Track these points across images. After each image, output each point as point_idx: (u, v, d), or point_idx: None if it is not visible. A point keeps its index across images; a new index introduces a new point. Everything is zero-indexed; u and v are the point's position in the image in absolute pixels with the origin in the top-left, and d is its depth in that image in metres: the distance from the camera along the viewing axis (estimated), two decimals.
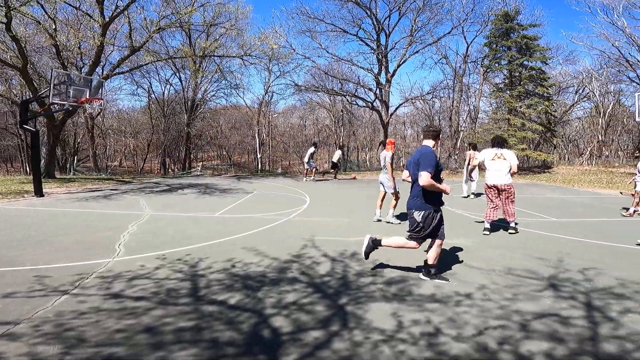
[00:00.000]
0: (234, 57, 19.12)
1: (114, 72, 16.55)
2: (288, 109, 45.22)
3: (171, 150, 32.06)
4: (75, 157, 29.08)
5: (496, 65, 22.75)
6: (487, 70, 23.68)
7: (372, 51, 23.55)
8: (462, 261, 4.39)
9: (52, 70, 9.67)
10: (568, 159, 30.85)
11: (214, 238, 5.36)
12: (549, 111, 21.22)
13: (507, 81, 22.59)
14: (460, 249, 4.92)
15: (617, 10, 21.62)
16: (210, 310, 3.01)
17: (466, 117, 28.43)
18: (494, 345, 2.52)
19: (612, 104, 29.04)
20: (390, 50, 23.65)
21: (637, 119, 11.25)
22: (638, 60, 22.41)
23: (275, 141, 40.77)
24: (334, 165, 16.13)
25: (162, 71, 28.23)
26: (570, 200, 10.02)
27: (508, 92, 21.57)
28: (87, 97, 10.02)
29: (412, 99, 27.31)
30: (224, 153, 44.42)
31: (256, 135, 29.05)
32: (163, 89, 30.27)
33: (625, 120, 31.65)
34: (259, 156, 29.13)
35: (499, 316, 2.94)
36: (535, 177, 17.90)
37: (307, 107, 37.89)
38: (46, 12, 13.08)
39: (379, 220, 6.70)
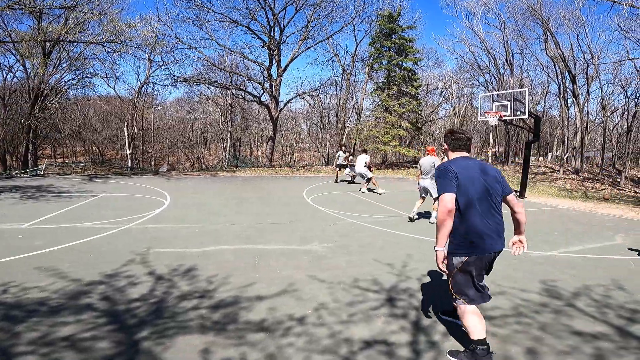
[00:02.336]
0: (91, 42, 15.98)
1: None
2: (176, 101, 41.19)
3: (13, 146, 25.67)
4: None
5: (378, 64, 24.02)
6: (371, 70, 25.08)
7: (263, 44, 22.70)
8: (309, 273, 3.94)
9: None
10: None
11: (3, 256, 3.96)
12: (417, 110, 23.63)
13: (385, 81, 23.91)
14: (311, 256, 4.52)
15: (477, 15, 25.33)
16: None
17: (351, 114, 29.94)
18: None
19: (465, 105, 34.26)
20: (283, 43, 23.20)
21: (479, 119, 13.05)
22: (487, 66, 26.72)
23: (158, 136, 36.55)
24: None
25: (2, 57, 22.32)
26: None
27: (386, 91, 22.93)
28: None
29: (302, 95, 27.44)
30: (95, 149, 38.00)
31: (125, 129, 25.27)
32: (4, 76, 24.04)
33: (475, 120, 37.87)
34: (128, 152, 25.43)
35: (325, 349, 2.48)
36: (405, 172, 19.69)
37: (196, 100, 34.96)
38: None
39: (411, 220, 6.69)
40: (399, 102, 22.47)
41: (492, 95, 13.05)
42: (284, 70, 23.60)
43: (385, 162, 26.12)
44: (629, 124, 21.20)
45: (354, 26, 24.68)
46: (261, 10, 21.77)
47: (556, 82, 23.26)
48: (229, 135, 33.73)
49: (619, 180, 18.16)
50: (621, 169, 19.93)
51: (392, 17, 22.52)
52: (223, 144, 36.56)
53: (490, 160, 24.67)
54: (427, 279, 3.86)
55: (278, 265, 4.10)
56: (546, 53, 21.90)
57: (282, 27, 22.68)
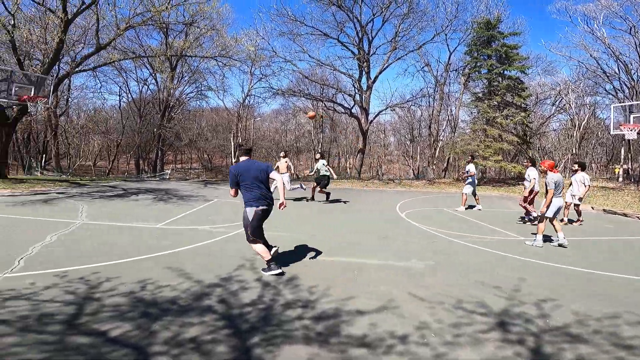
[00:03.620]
0: (206, 57, 18.48)
1: (75, 70, 15.60)
2: (272, 113, 44.74)
3: (146, 152, 30.93)
4: (44, 157, 27.65)
5: (476, 74, 22.59)
6: (468, 79, 23.66)
7: (353, 56, 23.29)
8: (409, 290, 3.85)
9: None
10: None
11: (139, 253, 4.72)
12: (525, 122, 21.29)
13: (485, 91, 22.32)
14: (410, 273, 4.40)
15: (598, 20, 22.05)
16: (78, 342, 2.44)
17: (445, 126, 28.43)
18: None
19: (587, 116, 29.61)
20: (372, 55, 23.47)
21: (611, 132, 11.16)
22: (615, 72, 22.86)
23: (255, 145, 40.04)
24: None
25: (139, 71, 27.28)
26: None
27: (486, 101, 21.31)
28: (31, 94, 9.24)
29: (392, 107, 27.12)
30: (206, 156, 43.35)
31: (231, 138, 28.25)
32: (140, 88, 29.32)
33: (599, 133, 32.36)
34: (233, 160, 28.31)
35: None
36: (509, 189, 17.80)
37: (290, 111, 37.43)
38: (6, 8, 12.19)
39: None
40: (502, 113, 20.58)
41: (628, 105, 11.05)
42: (374, 81, 23.71)
43: (485, 178, 23.97)
44: None
45: (446, 35, 23.69)
46: (349, 23, 22.37)
47: None
48: (319, 147, 35.09)
49: None
50: None
51: (491, 24, 21.24)
52: (314, 155, 38.20)
53: (620, 179, 20.67)
54: (548, 305, 3.45)
55: (376, 280, 4.09)
56: None
57: (371, 38, 22.91)
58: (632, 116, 10.00)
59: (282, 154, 10.53)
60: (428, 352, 2.62)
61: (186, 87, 28.18)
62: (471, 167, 9.64)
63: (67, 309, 2.96)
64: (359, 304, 3.42)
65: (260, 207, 4.15)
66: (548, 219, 5.99)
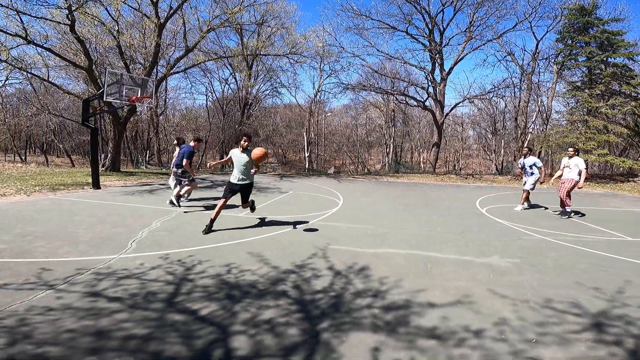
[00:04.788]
0: (278, 55, 19.38)
1: (170, 72, 17.66)
2: (343, 108, 45.07)
3: (230, 147, 33.67)
4: (147, 152, 31.87)
5: (572, 62, 20.59)
6: (562, 68, 21.14)
7: (424, 48, 22.28)
8: (489, 287, 3.67)
9: (105, 70, 10.47)
10: None
11: (226, 239, 5.23)
12: (637, 112, 18.17)
13: (585, 79, 20.33)
14: (491, 270, 4.17)
15: None
16: (174, 319, 2.82)
17: (535, 118, 25.53)
18: None
19: None
20: (444, 46, 22.21)
21: None
22: None
23: (326, 140, 40.81)
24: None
25: (221, 71, 29.72)
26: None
27: (587, 91, 19.27)
28: (138, 96, 10.68)
29: (470, 98, 25.25)
30: (280, 151, 45.62)
31: (304, 133, 29.20)
32: (222, 88, 31.90)
33: None
34: (306, 155, 29.25)
35: None
36: (617, 186, 15.40)
37: (360, 106, 37.28)
38: (110, 14, 14.34)
39: None
40: (607, 103, 17.92)
41: None
42: (448, 73, 22.43)
43: (587, 174, 21.07)
44: None
45: (531, 23, 21.24)
46: (417, 14, 21.33)
47: None
48: (391, 141, 34.33)
49: None
50: None
51: (586, 10, 19.15)
52: (386, 149, 37.49)
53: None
54: None
55: (452, 275, 3.98)
56: None
57: (442, 29, 21.59)
58: None
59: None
60: (505, 348, 2.52)
61: (262, 85, 29.85)
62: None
63: (167, 288, 3.40)
64: (431, 297, 3.38)
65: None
66: None
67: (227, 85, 31.28)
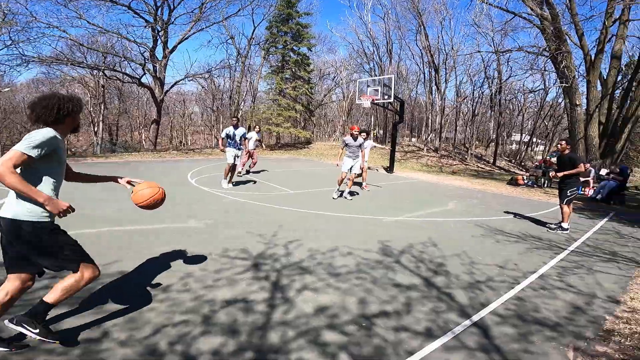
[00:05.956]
0: None
1: None
2: (31, 82, 33.86)
3: None
4: None
5: (274, 49, 24.21)
6: (267, 53, 25.00)
7: (146, 24, 20.33)
8: (179, 247, 4.07)
9: None
10: (328, 137, 37.42)
11: None
12: (308, 93, 24.58)
13: (280, 64, 24.35)
14: (185, 233, 4.63)
15: (367, 5, 27.10)
16: None
17: (245, 96, 29.39)
18: (164, 347, 2.27)
19: (354, 90, 36.75)
20: (170, 24, 21.31)
21: (356, 102, 14.33)
22: (372, 53, 29.00)
23: (7, 120, 29.72)
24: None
25: None
26: (313, 173, 11.79)
27: (280, 74, 23.41)
28: None
29: (191, 77, 25.65)
30: None
31: None
32: None
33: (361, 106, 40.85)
34: None
35: (188, 310, 2.75)
36: (297, 152, 20.49)
37: (57, 81, 29.24)
38: None
39: None
40: (292, 85, 23.01)
41: (367, 80, 14.45)
42: (172, 51, 21.91)
43: (279, 143, 26.57)
44: (474, 109, 25.91)
45: (252, 9, 24.03)
46: None
47: (423, 71, 26.81)
48: (101, 119, 29.52)
49: (466, 157, 22.22)
50: (468, 147, 24.38)
51: (291, 2, 22.79)
52: (94, 128, 31.81)
53: (373, 142, 27.26)
54: (292, 245, 4.38)
55: (145, 245, 4.10)
56: (416, 44, 24.99)
57: (172, 7, 20.74)
58: (369, 89, 13.24)
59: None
60: (188, 296, 2.97)
61: None
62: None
63: None
64: (124, 267, 3.42)
65: None
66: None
67: None
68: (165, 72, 22.05)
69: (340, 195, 7.56)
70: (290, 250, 4.21)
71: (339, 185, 7.47)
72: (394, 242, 4.71)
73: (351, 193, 7.71)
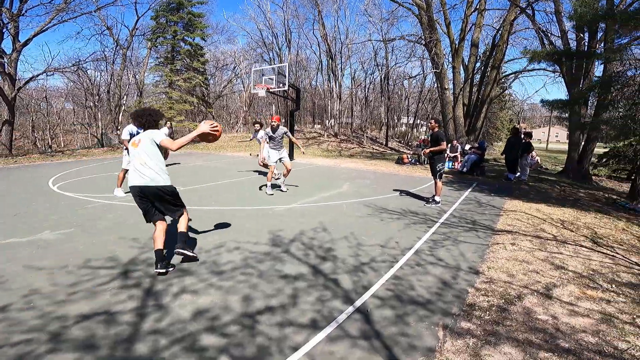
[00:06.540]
0: None
1: None
2: None
3: None
4: None
5: (162, 39, 22.42)
6: (154, 45, 22.79)
7: None
8: (27, 263, 3.38)
9: None
10: (230, 128, 35.85)
11: None
12: (203, 85, 23.16)
13: (169, 56, 22.71)
14: (37, 246, 3.85)
15: None
16: None
17: (127, 90, 26.14)
18: None
19: (252, 80, 35.69)
20: (21, 16, 17.55)
21: (252, 91, 13.95)
22: (271, 43, 28.39)
23: None
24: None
25: None
26: (209, 167, 11.12)
27: (169, 66, 21.83)
28: None
29: (51, 71, 21.51)
30: None
31: None
32: None
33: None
34: None
35: (31, 328, 2.34)
36: (194, 146, 19.12)
37: None
38: None
39: None
40: (182, 77, 21.42)
41: (262, 70, 14.14)
42: (24, 45, 18.31)
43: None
44: (366, 95, 27.76)
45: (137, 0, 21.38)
46: None
47: (321, 59, 27.53)
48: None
49: (363, 140, 23.76)
50: (364, 131, 26.10)
51: None
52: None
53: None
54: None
55: None
56: (313, 33, 25.41)
57: None
58: (263, 78, 12.97)
59: None
60: (32, 314, 2.57)
61: None
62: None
63: None
64: None
65: None
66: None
67: None
68: (16, 67, 18.65)
69: (279, 187, 7.34)
70: (168, 251, 3.78)
71: (269, 181, 7.11)
72: (285, 231, 4.63)
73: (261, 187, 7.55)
